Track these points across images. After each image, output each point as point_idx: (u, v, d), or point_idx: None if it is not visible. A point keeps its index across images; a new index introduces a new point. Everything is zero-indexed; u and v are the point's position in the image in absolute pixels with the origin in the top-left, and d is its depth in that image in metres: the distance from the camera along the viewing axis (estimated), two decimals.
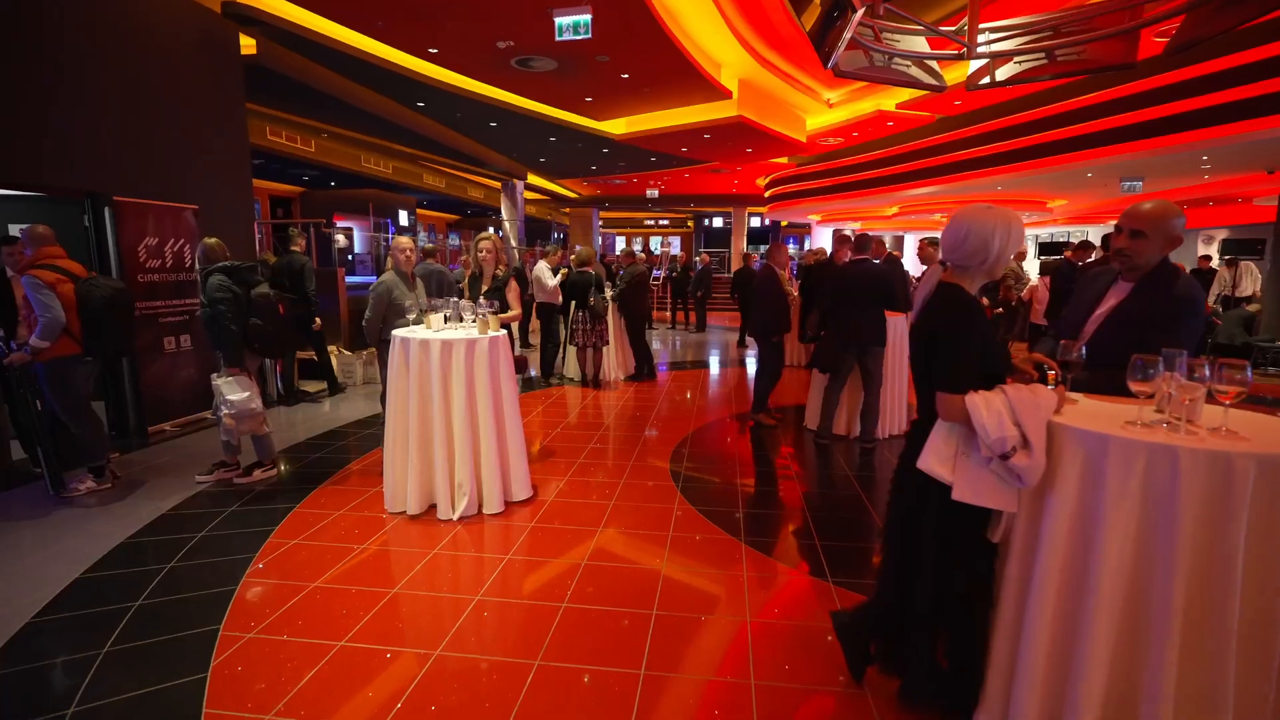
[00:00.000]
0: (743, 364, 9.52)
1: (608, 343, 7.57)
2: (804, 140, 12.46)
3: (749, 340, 9.99)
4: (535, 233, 24.23)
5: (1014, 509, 1.77)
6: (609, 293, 7.92)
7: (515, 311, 4.44)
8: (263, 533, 3.48)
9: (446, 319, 4.04)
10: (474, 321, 3.89)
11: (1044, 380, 1.90)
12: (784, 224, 31.84)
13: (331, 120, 10.67)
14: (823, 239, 20.95)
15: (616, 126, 11.85)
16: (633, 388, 7.65)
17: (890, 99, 11.17)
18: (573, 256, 7.73)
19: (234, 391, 3.90)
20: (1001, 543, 1.85)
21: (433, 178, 17.07)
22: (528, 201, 23.59)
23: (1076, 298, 2.35)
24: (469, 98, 9.42)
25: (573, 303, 7.56)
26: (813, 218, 20.03)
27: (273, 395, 6.83)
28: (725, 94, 9.75)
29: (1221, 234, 15.11)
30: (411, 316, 3.95)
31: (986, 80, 5.56)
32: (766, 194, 18.95)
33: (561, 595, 2.83)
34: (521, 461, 3.92)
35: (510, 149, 13.95)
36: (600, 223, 27.79)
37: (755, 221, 29.41)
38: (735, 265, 24.27)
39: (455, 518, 3.63)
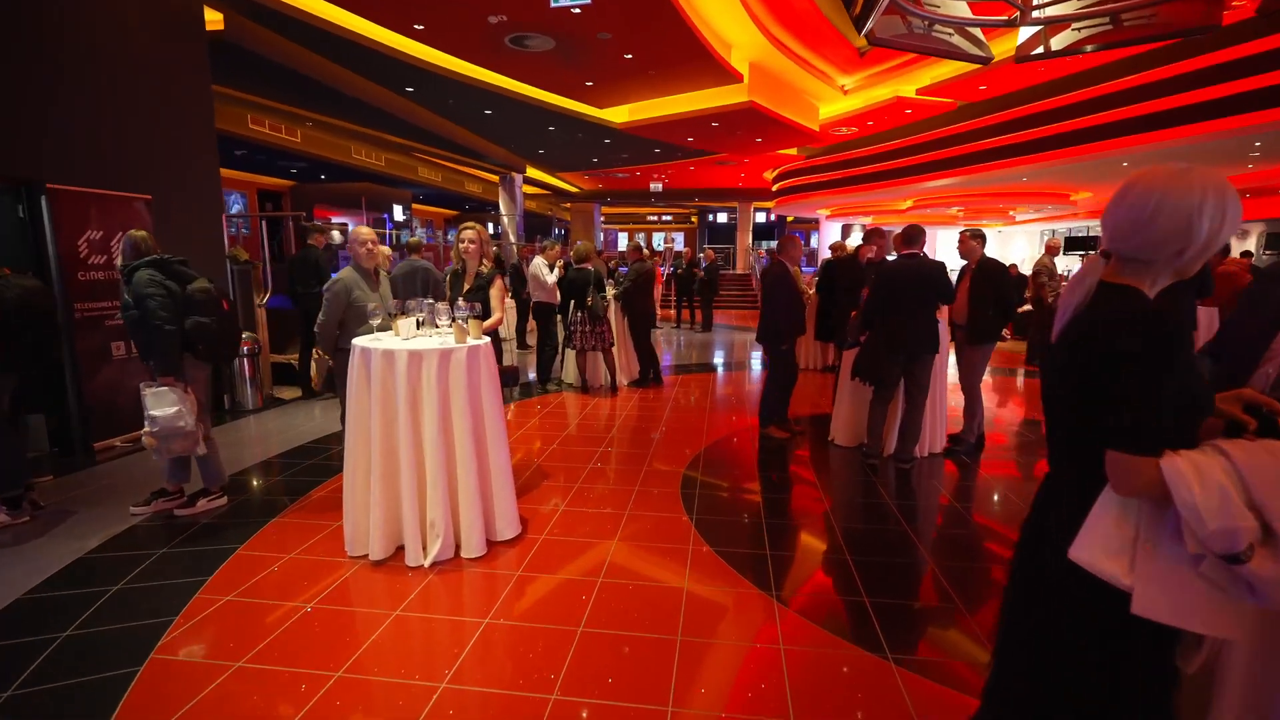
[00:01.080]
0: (763, 364, 8.88)
1: (613, 343, 6.95)
2: (816, 129, 11.81)
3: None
4: (535, 228, 23.59)
5: (1237, 636, 1.15)
6: (610, 291, 7.30)
7: (498, 315, 3.82)
8: (192, 584, 2.88)
9: (419, 324, 3.43)
10: (450, 327, 3.28)
11: (1273, 431, 1.27)
12: (790, 219, 31.19)
13: (315, 107, 10.05)
14: (832, 234, 20.28)
15: (619, 115, 11.21)
16: (637, 394, 7.03)
17: (910, 84, 10.52)
18: (571, 252, 7.11)
19: (160, 405, 3.28)
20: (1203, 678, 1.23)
21: (428, 171, 16.44)
22: (527, 196, 22.96)
23: (1247, 311, 1.73)
24: (461, 82, 8.79)
25: (571, 302, 6.96)
26: (822, 212, 19.37)
27: (245, 404, 6.23)
28: (736, 77, 9.11)
29: (1258, 228, 14.42)
30: (375, 321, 3.34)
31: (1039, 50, 4.90)
32: (774, 188, 18.30)
33: (552, 680, 2.22)
34: (508, 494, 3.31)
35: (507, 140, 13.31)
36: (602, 218, 27.16)
37: (760, 217, 28.75)
38: (741, 262, 23.65)
39: (427, 564, 3.02)
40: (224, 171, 14.59)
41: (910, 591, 2.87)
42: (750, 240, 24.99)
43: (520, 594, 2.81)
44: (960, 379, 4.98)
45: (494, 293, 3.87)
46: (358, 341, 3.12)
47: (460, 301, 3.45)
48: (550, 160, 16.23)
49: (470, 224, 4.00)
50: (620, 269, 10.10)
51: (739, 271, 21.81)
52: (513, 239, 15.80)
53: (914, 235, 4.59)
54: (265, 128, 10.77)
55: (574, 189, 22.09)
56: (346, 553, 3.14)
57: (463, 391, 3.06)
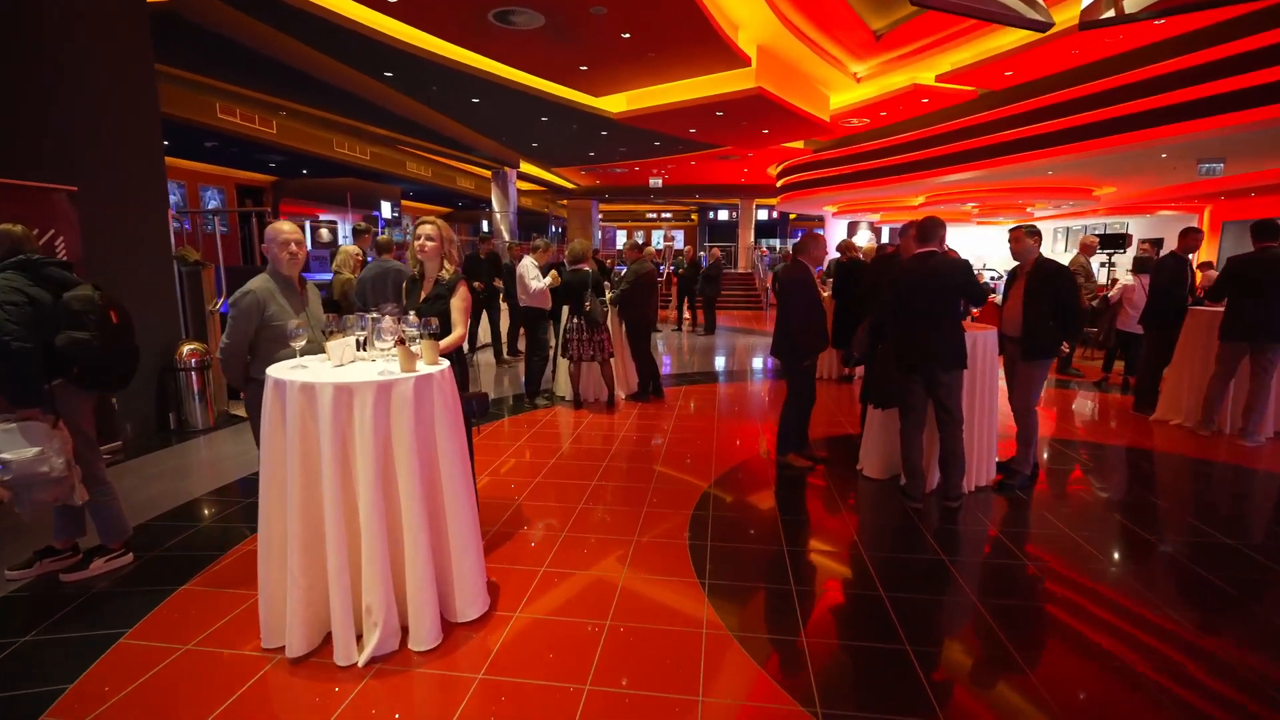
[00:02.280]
0: (772, 376, 8.16)
1: (612, 354, 6.24)
2: (827, 119, 11.10)
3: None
4: (531, 226, 22.85)
5: None
6: (608, 294, 6.60)
7: (459, 332, 3.12)
8: (51, 694, 2.17)
9: (361, 345, 2.72)
10: (394, 351, 2.57)
11: None
12: (793, 216, 30.51)
13: (286, 93, 9.31)
14: (838, 232, 19.56)
15: (616, 103, 10.49)
16: (636, 410, 6.33)
17: (929, 70, 9.81)
18: (566, 252, 6.40)
19: (10, 446, 2.54)
20: None
21: (417, 166, 15.71)
22: (522, 193, 22.24)
23: None
24: (443, 66, 8.07)
25: (565, 308, 6.25)
26: (828, 209, 18.66)
27: (194, 423, 5.52)
28: (743, 60, 8.39)
29: None
30: (299, 344, 2.62)
31: (1110, 14, 4.16)
32: (778, 183, 17.59)
33: None
34: (472, 562, 2.60)
35: (498, 132, 12.59)
36: (600, 216, 26.44)
37: (763, 214, 28.06)
38: (743, 260, 22.94)
39: (361, 662, 2.31)
40: (197, 166, 13.91)
41: (988, 688, 2.16)
42: (752, 238, 24.30)
43: (485, 704, 2.11)
44: (1011, 400, 4.28)
45: (456, 304, 3.16)
46: (272, 371, 2.41)
47: (410, 317, 2.74)
48: (544, 154, 15.50)
49: (429, 219, 3.29)
50: (617, 268, 9.40)
51: (741, 270, 21.11)
52: (506, 237, 15.09)
53: (930, 230, 3.89)
54: (236, 117, 10.04)
55: (570, 185, 21.37)
56: (261, 643, 2.43)
57: (408, 436, 2.35)
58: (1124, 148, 8.61)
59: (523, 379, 6.80)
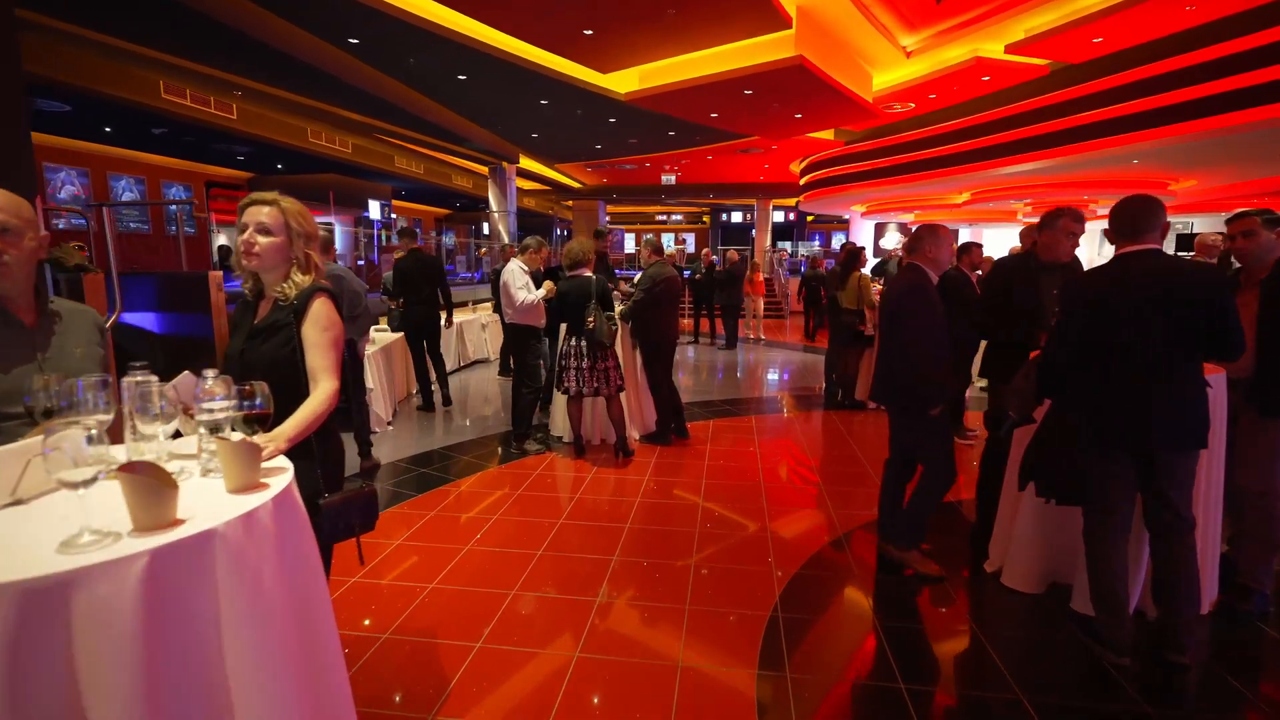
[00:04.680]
0: (841, 403, 6.58)
1: (622, 387, 4.77)
2: (870, 100, 9.61)
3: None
4: (534, 229, 21.45)
5: None
6: (618, 308, 5.15)
7: (321, 394, 1.70)
8: None
9: (91, 441, 1.24)
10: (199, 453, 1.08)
11: None
12: (810, 218, 29.01)
13: (242, 69, 7.91)
14: (865, 233, 18.04)
15: (625, 82, 9.04)
16: (654, 458, 4.84)
17: (997, 40, 8.31)
18: (563, 254, 4.96)
19: None
20: None
21: (407, 161, 14.32)
22: (526, 193, 20.84)
23: None
24: (419, 29, 6.64)
25: (563, 326, 4.80)
26: (856, 209, 17.14)
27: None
28: (784, 20, 6.92)
29: None
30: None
31: None
32: (802, 180, 16.10)
33: None
34: None
35: (493, 120, 11.16)
36: (607, 218, 25.02)
37: (779, 216, 26.58)
38: (760, 265, 21.37)
39: None
40: (158, 159, 12.46)
41: None
42: (769, 240, 22.80)
43: None
44: (1238, 477, 2.77)
45: (314, 336, 1.75)
46: None
47: (208, 375, 1.28)
48: (546, 147, 14.07)
49: (264, 196, 1.85)
50: (626, 273, 7.94)
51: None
52: (506, 239, 13.67)
53: (1146, 215, 2.35)
54: (186, 99, 8.66)
55: (576, 184, 19.96)
56: None
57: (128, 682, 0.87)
58: (1244, 129, 7.08)
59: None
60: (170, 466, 1.25)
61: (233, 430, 1.36)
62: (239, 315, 1.89)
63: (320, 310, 1.78)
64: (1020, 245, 5.17)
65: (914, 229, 3.18)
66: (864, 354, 6.55)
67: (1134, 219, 2.35)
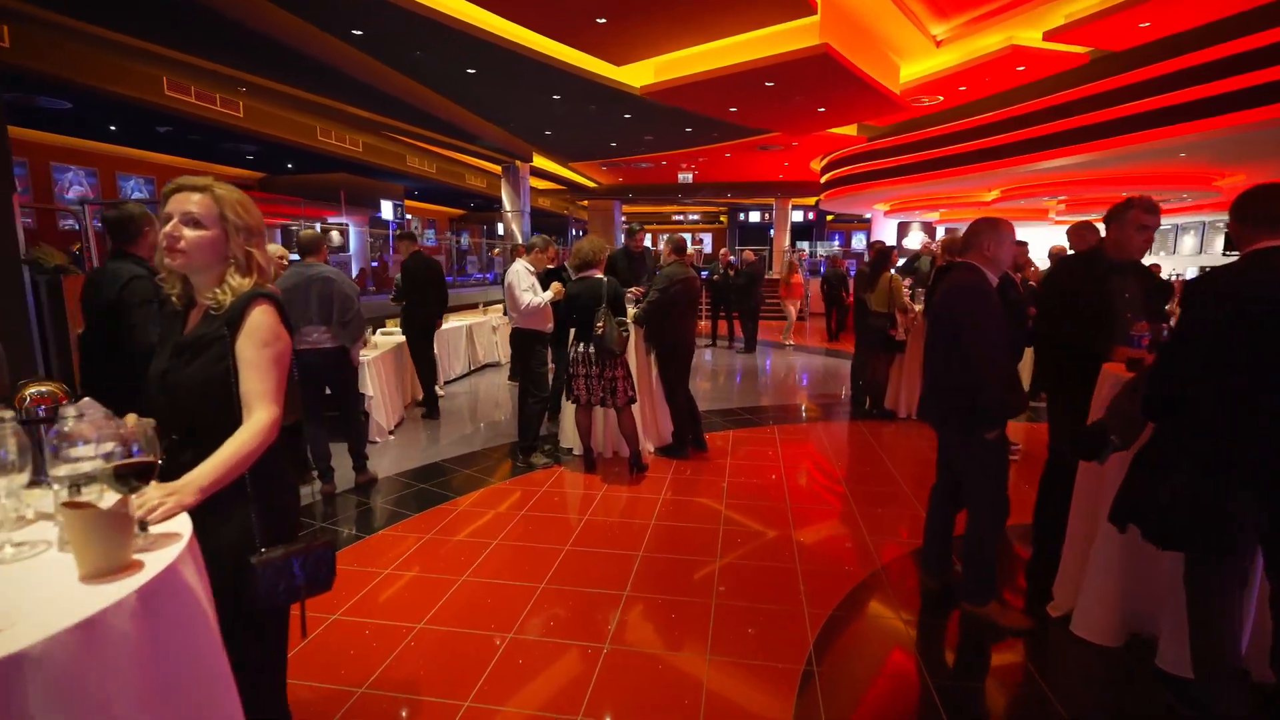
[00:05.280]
0: (869, 411, 6.18)
1: (634, 398, 4.41)
2: (897, 92, 9.17)
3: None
4: (549, 229, 21.17)
5: None
6: (630, 311, 4.80)
7: (256, 424, 1.35)
8: None
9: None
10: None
11: None
12: (830, 218, 28.45)
13: (246, 64, 7.68)
14: (888, 232, 17.51)
15: (641, 74, 8.69)
16: (670, 474, 4.48)
17: (1035, 27, 7.84)
18: (570, 254, 4.62)
19: None
20: None
21: (419, 160, 14.09)
22: (540, 193, 20.58)
23: None
24: (426, 19, 6.35)
25: (571, 331, 4.46)
26: (879, 208, 16.64)
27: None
28: (808, 6, 6.53)
29: None
30: None
31: None
32: (823, 179, 15.64)
33: None
34: None
35: (504, 117, 10.87)
36: (623, 218, 24.69)
37: (797, 215, 26.05)
38: (778, 265, 20.95)
39: None
40: (168, 159, 12.33)
41: None
42: (788, 241, 22.31)
43: None
44: None
45: (249, 353, 1.42)
46: None
47: (69, 413, 0.94)
48: (559, 145, 13.76)
49: (193, 181, 1.51)
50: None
51: (776, 276, 19.17)
52: (519, 240, 13.39)
53: None
54: (191, 95, 8.46)
55: (591, 183, 19.64)
56: None
57: None
58: None
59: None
60: (15, 537, 0.92)
61: (100, 488, 1.03)
62: (166, 328, 1.56)
63: (260, 321, 1.44)
64: (1068, 245, 4.73)
65: (971, 223, 2.78)
66: (894, 360, 6.14)
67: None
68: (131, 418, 1.50)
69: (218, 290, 1.46)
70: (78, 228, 6.67)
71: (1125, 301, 2.90)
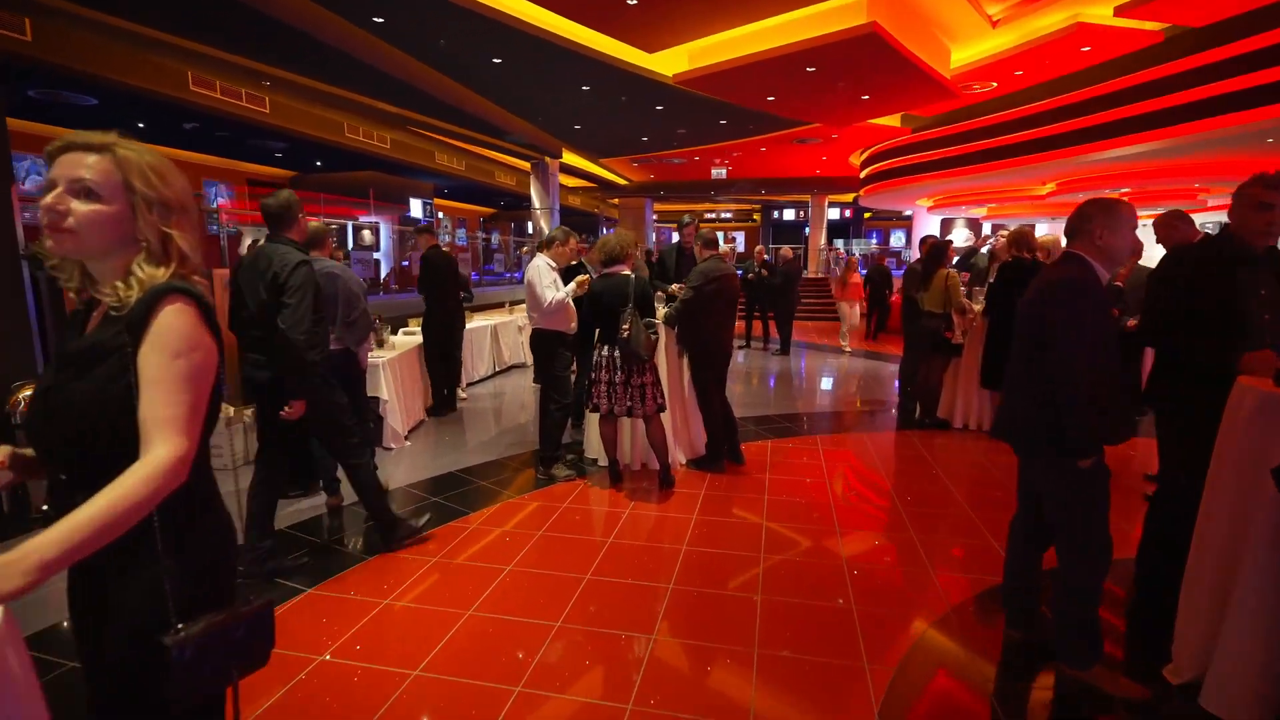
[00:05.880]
0: (920, 421, 5.71)
1: (663, 406, 4.02)
2: (948, 77, 8.57)
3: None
4: (579, 228, 20.87)
5: None
6: (660, 311, 4.41)
7: (139, 484, 0.98)
8: None
9: None
10: None
11: None
12: (868, 215, 27.63)
13: (270, 56, 7.51)
14: (930, 229, 16.76)
15: (674, 62, 8.28)
16: (703, 489, 4.07)
17: (1104, 2, 7.19)
18: (598, 248, 4.25)
19: None
20: None
21: (448, 157, 13.91)
22: (571, 190, 20.32)
23: None
24: (447, 3, 6.05)
25: (597, 331, 4.09)
26: (921, 203, 15.92)
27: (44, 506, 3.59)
28: None
29: None
30: None
31: None
32: (862, 173, 15.01)
33: None
34: None
35: (533, 110, 10.57)
36: (654, 217, 24.29)
37: (834, 213, 25.31)
38: (813, 263, 20.28)
39: None
40: (198, 157, 12.36)
41: None
42: (824, 238, 21.64)
43: None
44: None
45: (153, 366, 1.08)
46: None
47: None
48: (589, 140, 13.43)
49: (86, 138, 1.15)
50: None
51: (811, 275, 18.57)
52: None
53: None
54: (216, 91, 8.34)
55: (622, 181, 19.29)
56: None
57: None
58: None
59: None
60: None
61: None
62: (65, 332, 1.22)
63: (170, 324, 1.07)
64: (1156, 239, 4.17)
65: (1079, 205, 2.32)
66: (949, 365, 5.63)
67: None
68: (3, 450, 1.18)
69: (120, 284, 1.10)
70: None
71: (1264, 300, 2.40)
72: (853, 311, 10.18)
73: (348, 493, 3.86)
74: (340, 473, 3.85)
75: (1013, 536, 2.50)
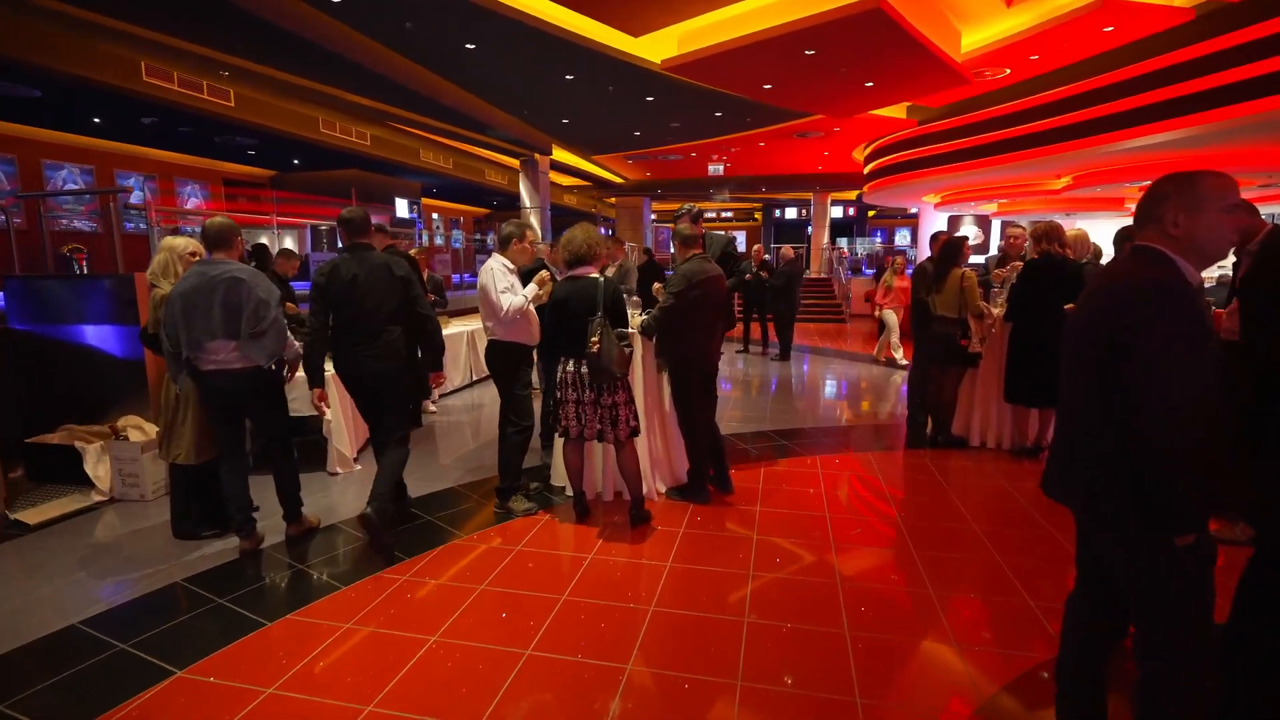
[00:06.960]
0: (933, 439, 5.12)
1: (637, 431, 3.44)
2: (959, 61, 7.97)
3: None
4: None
5: None
6: (636, 318, 3.81)
7: None
8: None
9: None
10: None
11: None
12: (872, 213, 27.02)
13: (223, 42, 6.94)
14: (936, 226, 16.13)
15: (662, 46, 7.70)
16: (682, 525, 3.48)
17: None
18: (561, 246, 3.65)
19: None
20: None
21: (433, 155, 13.36)
22: (564, 189, 19.78)
23: None
24: None
25: (560, 341, 3.51)
26: (928, 200, 15.29)
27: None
28: None
29: None
30: None
31: None
32: (867, 168, 14.40)
33: None
34: None
35: (517, 104, 10.00)
36: (653, 216, 23.71)
37: (837, 211, 24.69)
38: (816, 263, 19.68)
39: None
40: (170, 155, 11.78)
41: None
42: (827, 237, 21.02)
43: None
44: None
45: None
46: None
47: None
48: (579, 135, 12.85)
49: None
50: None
51: (813, 275, 17.98)
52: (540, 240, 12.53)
53: None
54: (174, 83, 7.79)
55: (618, 179, 18.73)
56: None
57: None
58: None
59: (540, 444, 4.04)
60: None
61: None
62: None
63: None
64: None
65: (1151, 185, 1.70)
66: (965, 376, 5.03)
67: None
68: None
69: None
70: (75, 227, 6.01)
71: None
72: (895, 318, 8.93)
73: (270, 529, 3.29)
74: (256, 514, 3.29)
75: (1068, 620, 1.89)
